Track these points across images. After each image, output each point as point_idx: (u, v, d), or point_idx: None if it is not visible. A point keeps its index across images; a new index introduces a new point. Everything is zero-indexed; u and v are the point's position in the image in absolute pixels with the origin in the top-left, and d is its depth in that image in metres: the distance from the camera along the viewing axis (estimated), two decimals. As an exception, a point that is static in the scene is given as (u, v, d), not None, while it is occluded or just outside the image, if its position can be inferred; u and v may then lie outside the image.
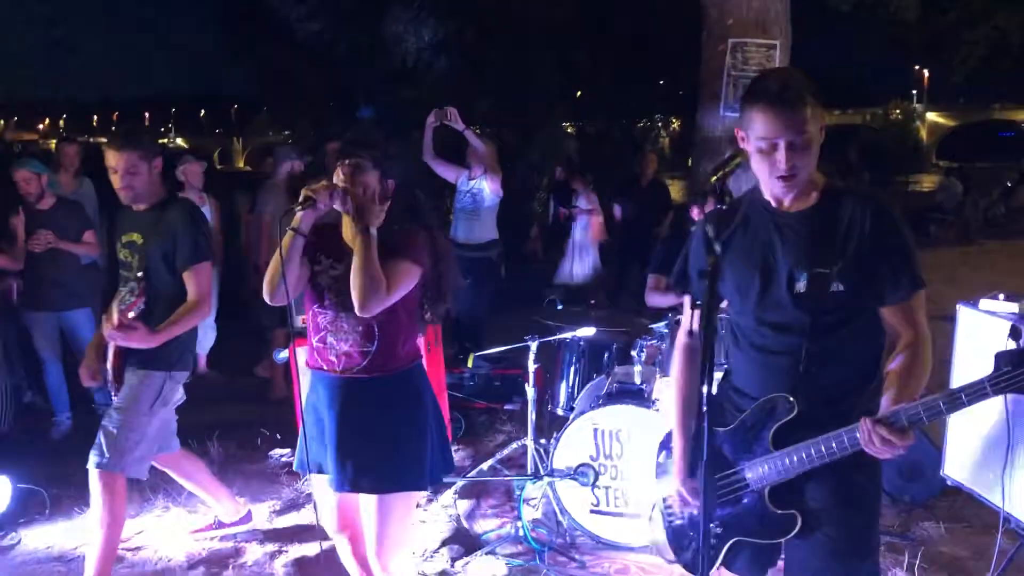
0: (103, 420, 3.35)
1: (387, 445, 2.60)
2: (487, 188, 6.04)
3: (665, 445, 2.53)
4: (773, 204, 2.18)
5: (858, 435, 1.99)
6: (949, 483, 3.69)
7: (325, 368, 2.66)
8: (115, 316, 3.18)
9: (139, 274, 3.26)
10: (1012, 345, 3.14)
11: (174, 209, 3.41)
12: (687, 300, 2.45)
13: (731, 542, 2.24)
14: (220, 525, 4.03)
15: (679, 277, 2.45)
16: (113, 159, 3.31)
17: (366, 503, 2.64)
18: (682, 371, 2.41)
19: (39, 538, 3.91)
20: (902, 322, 2.11)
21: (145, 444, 3.37)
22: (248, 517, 4.09)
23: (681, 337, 2.46)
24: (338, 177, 2.58)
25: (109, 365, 3.39)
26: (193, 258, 3.33)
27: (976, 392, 1.90)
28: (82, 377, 3.54)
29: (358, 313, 2.52)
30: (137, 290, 3.19)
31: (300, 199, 2.50)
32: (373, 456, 2.59)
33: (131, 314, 3.19)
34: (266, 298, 2.63)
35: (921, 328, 2.10)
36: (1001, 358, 1.88)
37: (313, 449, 2.68)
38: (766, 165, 2.08)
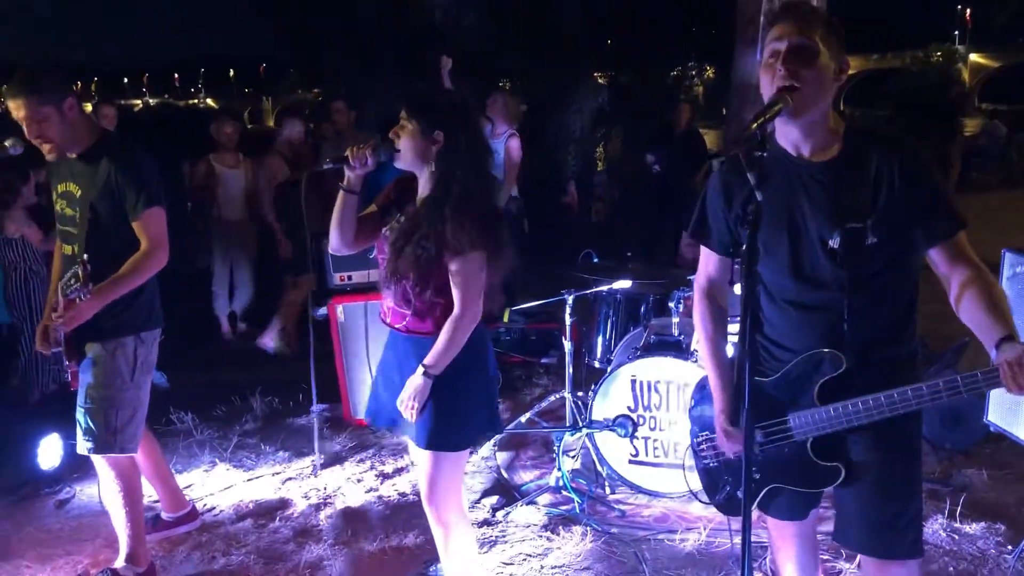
0: (80, 402, 3.11)
1: (429, 403, 2.60)
2: (510, 148, 6.01)
3: (699, 390, 2.55)
4: (792, 153, 2.10)
5: (909, 393, 1.96)
6: (992, 429, 3.65)
7: (381, 317, 2.77)
8: (60, 306, 2.94)
9: (81, 244, 2.99)
10: None
11: (109, 155, 3.02)
12: (703, 249, 2.40)
13: (768, 489, 2.26)
14: (156, 521, 3.70)
15: (697, 227, 2.37)
16: (15, 108, 2.95)
17: (418, 452, 2.72)
18: (704, 317, 2.41)
19: (93, 492, 4.03)
20: (954, 260, 2.02)
21: (139, 415, 3.18)
22: (194, 515, 3.78)
23: (700, 282, 2.43)
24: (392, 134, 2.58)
25: (62, 337, 3.07)
26: (140, 205, 3.00)
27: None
28: (44, 350, 3.18)
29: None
30: (81, 275, 2.84)
31: (352, 158, 2.53)
32: (422, 412, 2.61)
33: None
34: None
35: (975, 261, 2.02)
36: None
37: (383, 398, 2.78)
38: (769, 77, 2.01)
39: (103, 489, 3.31)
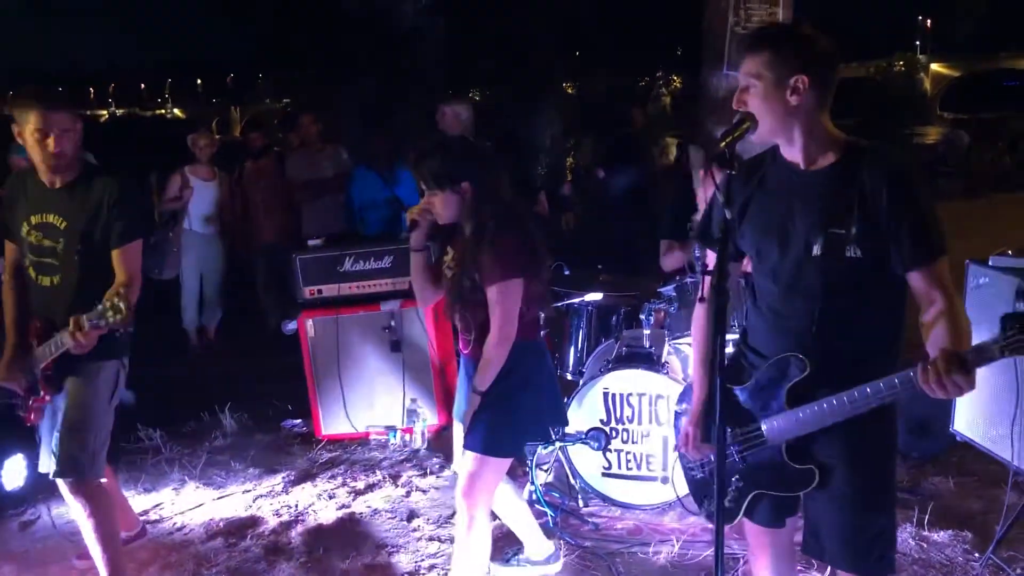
0: (57, 428, 3.03)
1: (481, 414, 2.90)
2: None
3: (683, 399, 2.57)
4: (792, 164, 2.17)
5: (881, 386, 1.99)
6: (958, 439, 3.70)
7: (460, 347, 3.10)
8: (87, 328, 2.74)
9: (74, 270, 2.99)
10: (1020, 306, 3.14)
11: (102, 183, 3.02)
12: (709, 254, 2.44)
13: (752, 495, 2.29)
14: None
15: (701, 234, 2.45)
16: (42, 120, 2.87)
17: (464, 456, 3.01)
18: (699, 328, 2.46)
19: (60, 512, 3.95)
20: (928, 287, 2.07)
21: (107, 441, 3.14)
22: (143, 532, 3.80)
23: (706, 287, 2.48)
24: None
25: (39, 371, 3.04)
26: (126, 237, 3.00)
27: (983, 355, 1.88)
28: (13, 384, 3.11)
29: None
30: (124, 309, 2.69)
31: (408, 224, 2.94)
32: (475, 421, 2.92)
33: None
34: None
35: (949, 291, 2.06)
36: (1007, 320, 1.86)
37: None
38: None
39: (76, 517, 3.20)
